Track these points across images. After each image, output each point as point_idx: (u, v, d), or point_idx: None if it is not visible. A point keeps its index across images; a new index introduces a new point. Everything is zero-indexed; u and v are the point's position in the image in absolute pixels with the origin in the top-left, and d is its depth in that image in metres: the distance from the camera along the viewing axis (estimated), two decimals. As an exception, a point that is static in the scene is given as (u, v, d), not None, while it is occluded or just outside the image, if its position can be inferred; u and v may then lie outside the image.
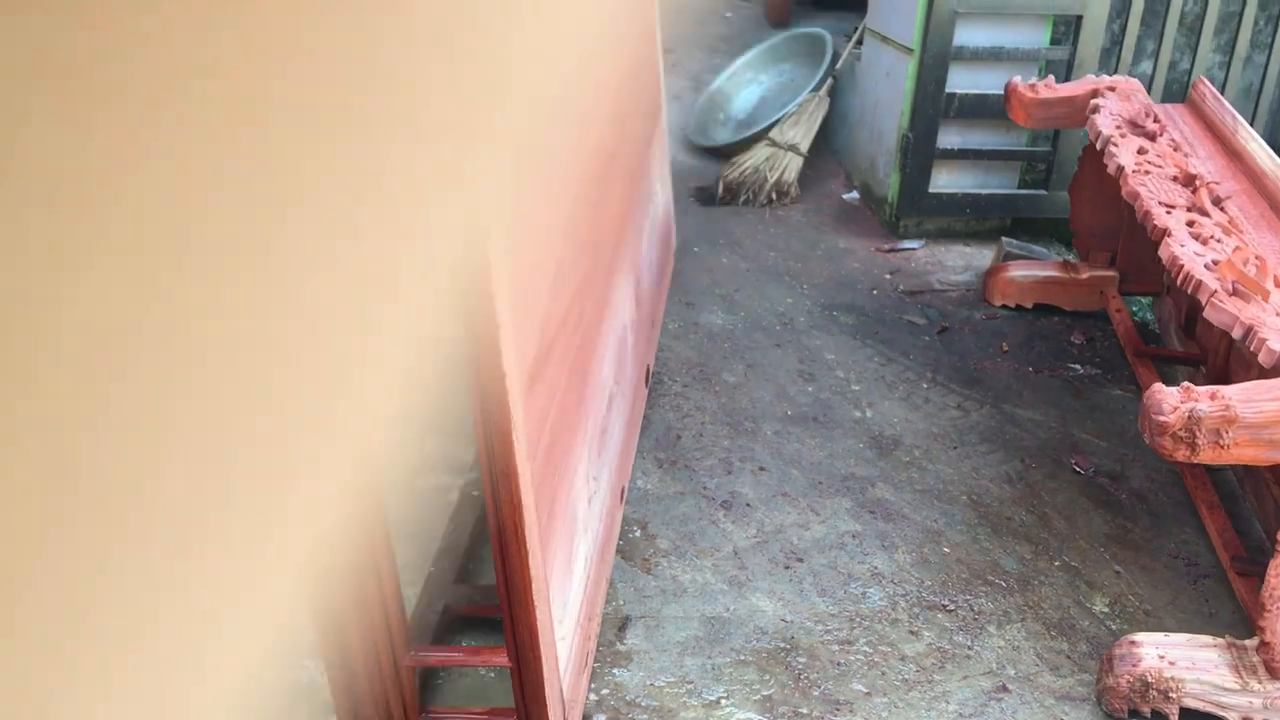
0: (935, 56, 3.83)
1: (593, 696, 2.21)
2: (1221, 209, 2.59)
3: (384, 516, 1.80)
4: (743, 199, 4.22)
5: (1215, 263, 2.34)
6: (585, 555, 2.17)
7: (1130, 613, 2.54)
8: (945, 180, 4.08)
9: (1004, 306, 3.72)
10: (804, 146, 4.31)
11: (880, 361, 3.40)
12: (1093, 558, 2.69)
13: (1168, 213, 2.57)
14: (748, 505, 2.77)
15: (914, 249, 4.06)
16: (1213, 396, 1.98)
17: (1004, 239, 3.89)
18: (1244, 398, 1.98)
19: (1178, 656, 2.20)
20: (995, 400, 3.26)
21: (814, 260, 3.94)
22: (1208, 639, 2.24)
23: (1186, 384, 2.02)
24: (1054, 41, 3.95)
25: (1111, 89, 3.31)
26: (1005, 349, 3.53)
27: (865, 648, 2.38)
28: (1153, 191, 2.65)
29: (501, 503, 1.68)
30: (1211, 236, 2.46)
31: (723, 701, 2.22)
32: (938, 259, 4.04)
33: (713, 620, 2.42)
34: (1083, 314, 3.69)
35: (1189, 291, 2.29)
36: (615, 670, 2.28)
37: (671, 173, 4.44)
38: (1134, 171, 2.74)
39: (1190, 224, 2.52)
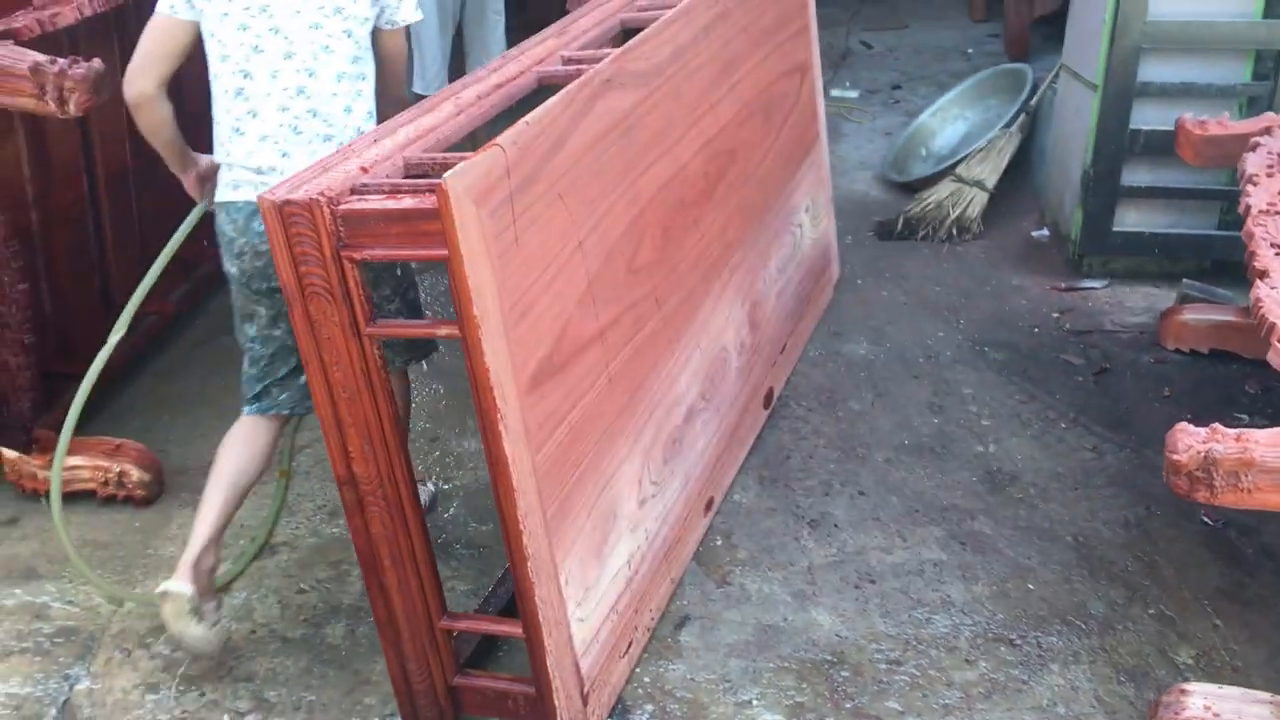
0: (1118, 92, 3.74)
1: (635, 685, 2.39)
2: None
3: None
4: (921, 234, 4.25)
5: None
6: (629, 551, 2.36)
7: (1218, 667, 2.44)
8: (1134, 219, 3.96)
9: (1177, 351, 3.57)
10: (990, 183, 4.29)
11: (1021, 399, 3.36)
12: (1194, 609, 2.59)
13: (1276, 255, 2.47)
14: (835, 526, 2.85)
15: (1095, 288, 3.95)
16: (1237, 439, 1.93)
17: (1185, 281, 3.74)
18: (1270, 442, 1.92)
19: (1224, 709, 2.12)
20: (1137, 445, 3.16)
21: (979, 296, 3.92)
22: (1264, 695, 2.15)
23: (1216, 425, 1.98)
24: (1257, 77, 3.76)
25: (1266, 128, 3.15)
26: (1167, 394, 3.40)
27: (913, 670, 2.43)
28: (1270, 234, 2.54)
29: (499, 487, 1.92)
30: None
31: (754, 702, 2.34)
32: (1118, 299, 3.92)
33: (768, 628, 2.54)
34: (1264, 363, 3.48)
35: (1262, 335, 2.21)
36: (663, 662, 2.44)
37: (857, 208, 4.54)
38: (1260, 212, 2.64)
39: (1294, 264, 2.41)
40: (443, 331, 1.85)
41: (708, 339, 2.78)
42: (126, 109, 2.37)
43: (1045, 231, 4.31)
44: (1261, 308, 2.26)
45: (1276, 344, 2.13)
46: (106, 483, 2.91)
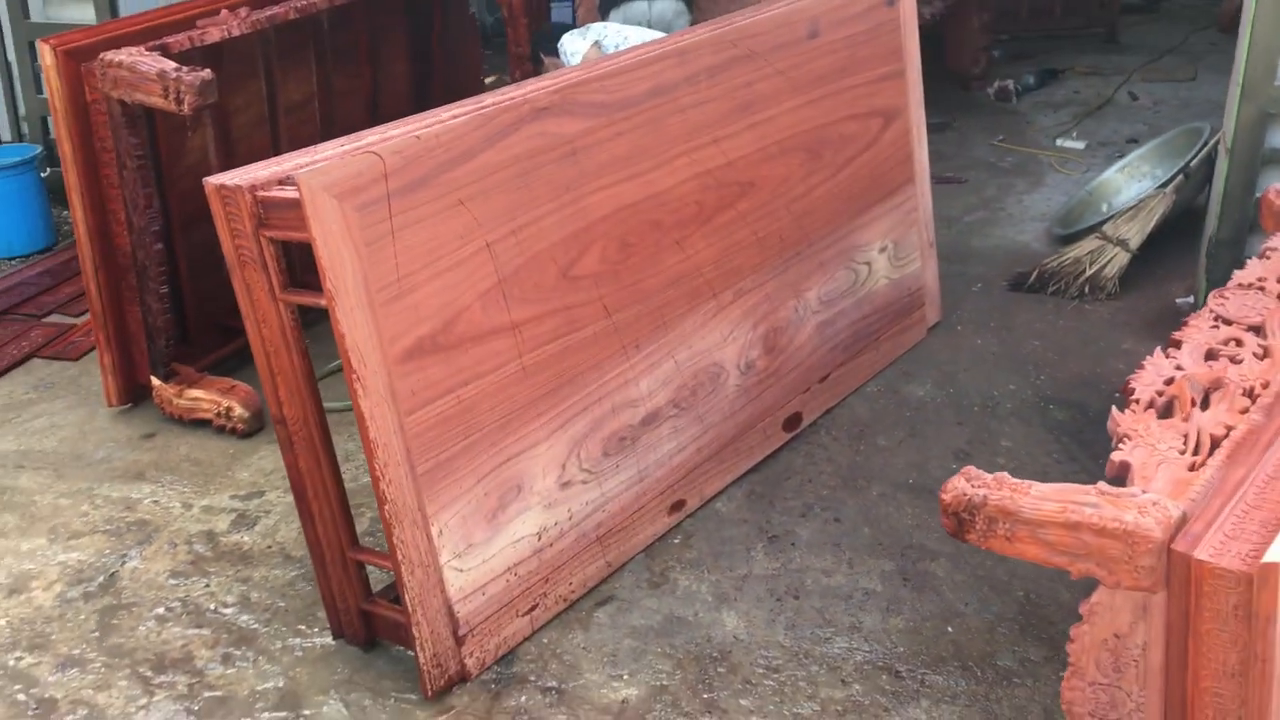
0: (1246, 157, 3.55)
1: (533, 643, 2.68)
2: (1297, 335, 2.34)
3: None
4: (1052, 289, 4.16)
5: (1170, 381, 2.19)
6: (539, 524, 2.66)
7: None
8: (1268, 293, 3.70)
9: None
10: (1134, 243, 4.13)
11: (1057, 458, 3.30)
12: (1113, 683, 2.52)
13: (1216, 326, 2.38)
14: (792, 544, 2.99)
15: (1213, 362, 3.74)
16: (1005, 486, 1.97)
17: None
18: (1039, 495, 1.94)
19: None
20: (1161, 520, 3.03)
21: (1076, 355, 3.82)
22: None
23: (1003, 475, 2.02)
24: None
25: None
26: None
27: (785, 679, 2.56)
28: (1239, 309, 2.45)
29: (362, 436, 2.30)
30: (1236, 358, 2.26)
31: (624, 676, 2.58)
32: (1233, 376, 3.68)
33: (675, 619, 2.75)
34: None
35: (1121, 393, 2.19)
36: (570, 631, 2.72)
37: (1008, 257, 4.50)
38: (1238, 287, 2.53)
39: (1237, 341, 2.33)
40: (320, 301, 2.25)
41: (688, 353, 3.01)
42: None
43: (1191, 299, 4.09)
44: (1143, 371, 2.22)
45: (1115, 411, 2.11)
46: (218, 414, 3.56)
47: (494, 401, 2.52)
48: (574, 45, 4.33)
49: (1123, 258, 4.12)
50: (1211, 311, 2.43)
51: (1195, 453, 2.00)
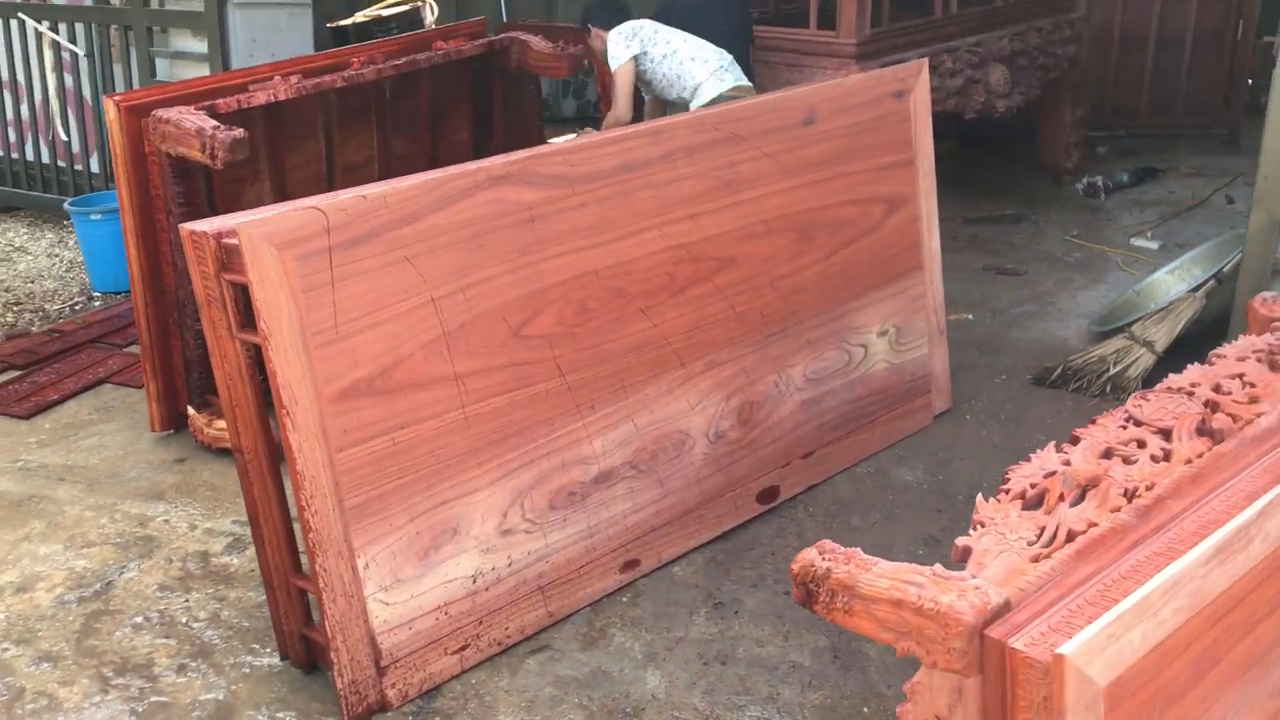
0: (1258, 266, 3.49)
1: (460, 681, 2.81)
2: (1208, 442, 2.32)
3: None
4: (1074, 386, 4.11)
5: (1050, 475, 2.21)
6: (474, 567, 2.79)
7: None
8: None
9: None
10: (1160, 345, 4.06)
11: (1030, 553, 3.26)
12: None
13: (1125, 427, 2.38)
14: (736, 613, 3.04)
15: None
16: (851, 561, 2.02)
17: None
18: (879, 572, 1.99)
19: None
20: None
21: (1079, 453, 3.75)
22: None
23: (855, 551, 2.07)
24: None
25: (1348, 311, 2.85)
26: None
27: (690, 742, 2.62)
28: (1154, 411, 2.43)
29: (289, 467, 2.49)
30: (1130, 459, 2.26)
31: (536, 721, 2.67)
32: (1242, 487, 3.57)
33: (600, 673, 2.83)
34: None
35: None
36: (498, 673, 2.84)
37: (1042, 351, 4.47)
38: (1168, 389, 2.51)
39: (1140, 442, 2.32)
40: (251, 339, 2.46)
41: (649, 418, 3.12)
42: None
43: (1218, 405, 3.98)
44: (1038, 467, 2.23)
45: (994, 499, 2.13)
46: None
47: (432, 446, 2.68)
48: (615, 51, 4.74)
49: (1148, 359, 4.05)
50: (1126, 412, 2.42)
51: (1046, 545, 2.01)
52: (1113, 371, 4.07)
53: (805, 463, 3.54)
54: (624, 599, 3.11)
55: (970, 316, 4.85)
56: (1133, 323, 4.22)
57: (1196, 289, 4.16)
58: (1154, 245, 5.62)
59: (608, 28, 4.84)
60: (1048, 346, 4.56)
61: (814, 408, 3.55)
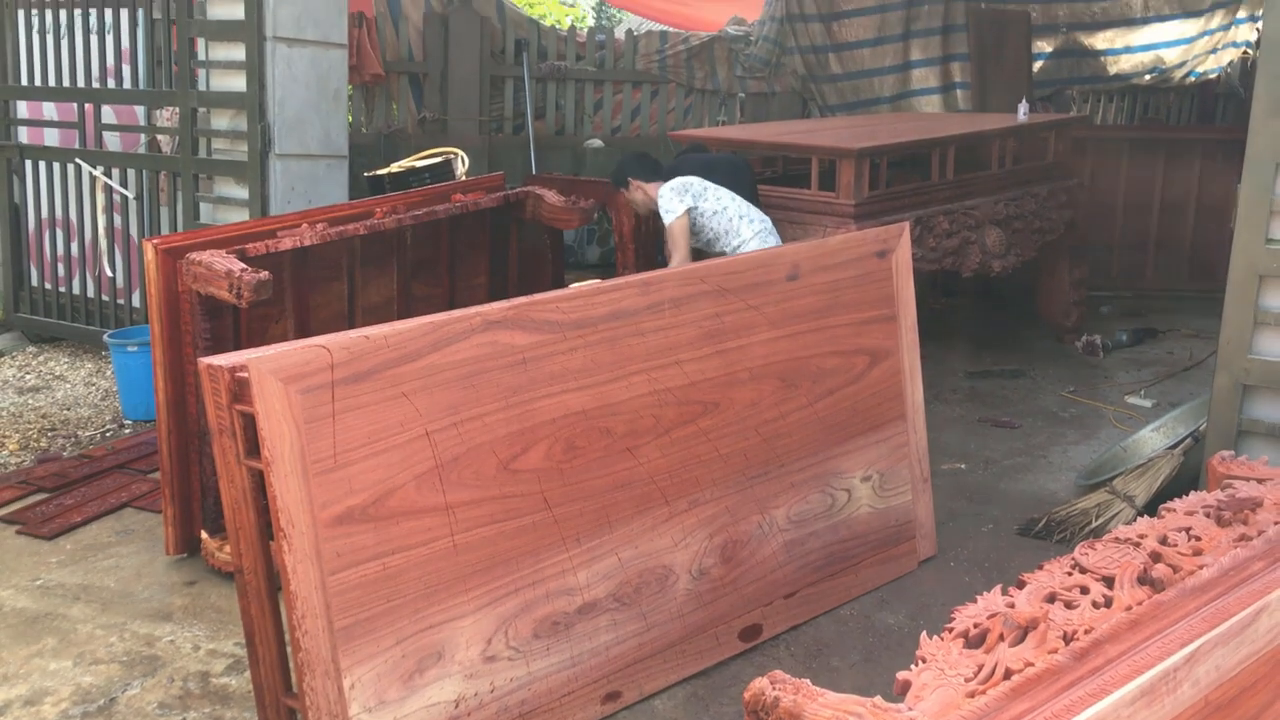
0: (1223, 427, 3.64)
1: (440, 804, 2.90)
2: (1149, 590, 2.44)
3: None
4: (1058, 538, 4.22)
5: (1012, 605, 2.33)
6: (458, 692, 2.91)
7: None
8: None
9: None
10: (1140, 500, 4.18)
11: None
12: None
13: (1071, 573, 2.51)
14: (711, 747, 3.13)
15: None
16: (803, 693, 2.14)
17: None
18: (825, 703, 2.11)
19: None
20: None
21: (1058, 602, 3.84)
22: None
23: (804, 682, 2.19)
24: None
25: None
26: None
27: None
28: (1100, 560, 2.56)
29: (283, 587, 2.65)
30: (1072, 603, 2.39)
31: None
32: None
33: (575, 802, 2.91)
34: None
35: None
36: (477, 799, 2.93)
37: (1030, 502, 4.59)
38: (1115, 539, 2.65)
39: (1083, 588, 2.45)
40: (256, 465, 2.65)
41: (634, 552, 3.26)
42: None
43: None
44: (980, 608, 2.36)
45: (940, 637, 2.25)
46: (247, 570, 3.98)
47: (421, 572, 2.84)
48: (669, 204, 4.99)
49: (1128, 513, 4.17)
50: (1073, 559, 2.55)
51: (983, 682, 2.13)
52: (1095, 524, 4.18)
53: (788, 602, 3.65)
54: (603, 730, 3.21)
55: (963, 466, 4.99)
56: (1115, 477, 4.35)
57: (1175, 446, 4.29)
58: (1148, 403, 5.77)
59: (648, 180, 5.15)
60: (1036, 498, 4.68)
61: (797, 549, 3.68)
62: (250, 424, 2.72)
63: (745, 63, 9.88)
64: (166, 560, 4.24)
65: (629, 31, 10.24)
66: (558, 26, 11.38)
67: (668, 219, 4.97)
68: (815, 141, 5.72)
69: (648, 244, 6.29)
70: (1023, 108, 6.64)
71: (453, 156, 7.27)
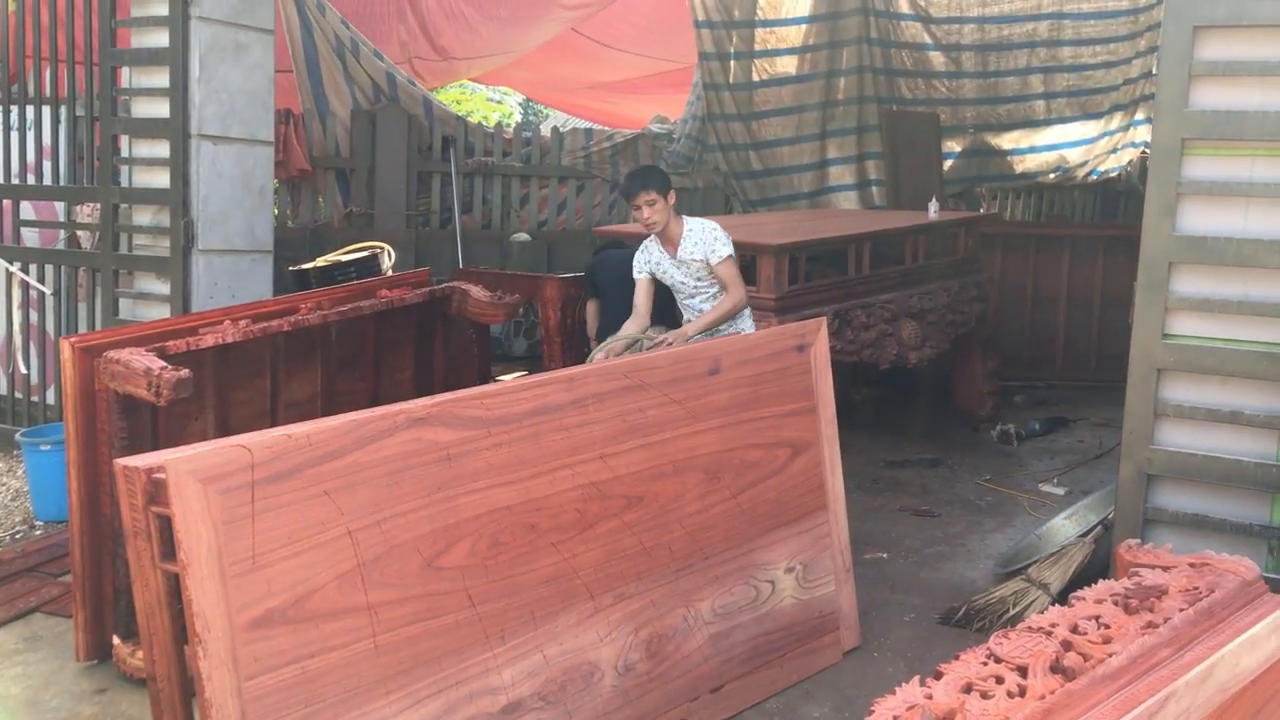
0: (1129, 516, 3.75)
1: None
2: (1061, 679, 2.49)
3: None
4: (978, 626, 4.29)
5: (930, 696, 2.37)
6: (379, 796, 2.86)
7: None
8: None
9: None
10: (1055, 588, 4.26)
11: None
12: None
13: (986, 663, 2.55)
14: None
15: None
16: None
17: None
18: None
19: None
20: None
21: (979, 691, 3.89)
22: None
23: None
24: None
25: (1204, 564, 3.08)
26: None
27: None
28: (1013, 649, 2.61)
29: (197, 693, 2.60)
30: (988, 693, 2.43)
31: None
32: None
33: None
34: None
35: None
36: None
37: (949, 591, 4.65)
38: (1028, 628, 2.71)
39: (998, 678, 2.50)
40: (172, 568, 2.62)
41: (559, 649, 3.25)
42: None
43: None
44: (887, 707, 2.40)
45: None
46: (162, 675, 3.87)
47: (341, 675, 2.80)
48: (728, 240, 4.88)
49: (1044, 600, 4.25)
50: (988, 649, 2.60)
51: (902, 772, 2.16)
52: (1012, 612, 4.25)
53: (714, 697, 3.65)
54: (528, 833, 3.16)
55: (885, 555, 5.05)
56: (1030, 565, 4.44)
57: (1087, 534, 4.41)
58: (1060, 491, 5.91)
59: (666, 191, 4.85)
60: (956, 586, 4.75)
61: (723, 641, 3.69)
62: (167, 526, 2.68)
63: (668, 159, 10.11)
64: (76, 667, 4.11)
65: (555, 128, 10.45)
66: (485, 123, 11.55)
67: (729, 251, 4.84)
68: (737, 238, 5.85)
69: (574, 336, 6.35)
70: (933, 205, 6.87)
71: (379, 251, 7.30)
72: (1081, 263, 8.47)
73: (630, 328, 4.89)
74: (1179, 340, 3.65)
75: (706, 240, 4.84)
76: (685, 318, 5.02)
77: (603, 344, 4.89)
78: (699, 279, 4.90)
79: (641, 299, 4.98)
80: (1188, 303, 3.61)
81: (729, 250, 4.84)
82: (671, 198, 4.88)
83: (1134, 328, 3.65)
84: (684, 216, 4.97)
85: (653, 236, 4.94)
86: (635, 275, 5.01)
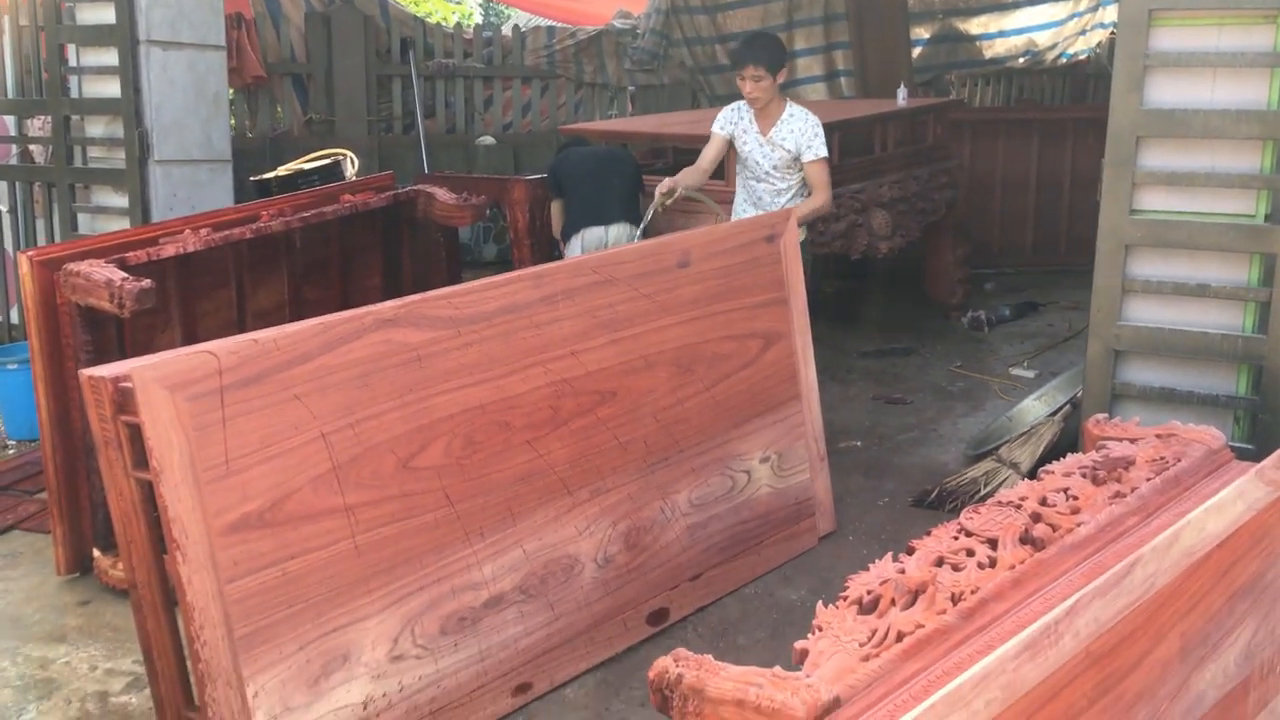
0: (1098, 392, 3.78)
1: (353, 807, 2.88)
2: (1030, 549, 2.53)
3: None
4: (949, 507, 4.35)
5: (902, 571, 2.41)
6: (365, 694, 2.90)
7: None
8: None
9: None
10: (1025, 467, 4.33)
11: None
12: None
13: (958, 537, 2.59)
14: (621, 729, 3.17)
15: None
16: (700, 666, 2.18)
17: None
18: (727, 676, 2.15)
19: None
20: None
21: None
22: None
23: (706, 658, 2.23)
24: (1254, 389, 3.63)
25: (1170, 435, 3.12)
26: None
27: None
28: (983, 523, 2.65)
29: (179, 599, 2.61)
30: (959, 566, 2.47)
31: (422, 844, 2.75)
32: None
33: (489, 795, 2.92)
34: None
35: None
36: (390, 799, 2.92)
37: (923, 474, 4.71)
38: (998, 503, 2.74)
39: (969, 551, 2.54)
40: (145, 476, 2.61)
41: (538, 544, 3.28)
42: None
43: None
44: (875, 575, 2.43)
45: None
46: (144, 586, 3.89)
47: (322, 575, 2.82)
48: (823, 141, 4.71)
49: (1014, 479, 4.31)
50: (959, 523, 2.64)
51: (877, 645, 2.20)
52: (984, 491, 4.32)
53: (693, 585, 3.71)
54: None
55: (858, 443, 5.10)
56: (1001, 446, 4.49)
57: (1056, 413, 4.46)
58: (1030, 374, 5.96)
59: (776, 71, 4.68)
60: (928, 470, 4.82)
61: (700, 531, 3.73)
62: (137, 435, 2.67)
63: (633, 56, 9.93)
64: (58, 581, 4.13)
65: (516, 27, 10.21)
66: (444, 24, 11.29)
67: (824, 152, 4.68)
68: (702, 131, 5.78)
69: (543, 239, 6.28)
70: (902, 93, 6.80)
71: (342, 158, 7.17)
72: (1051, 147, 8.43)
73: (689, 178, 4.75)
74: (1147, 215, 3.64)
75: (805, 133, 4.65)
76: (739, 197, 4.92)
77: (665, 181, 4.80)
78: (775, 167, 4.71)
79: (709, 154, 4.82)
80: (1155, 177, 3.60)
81: (824, 151, 4.67)
82: (781, 76, 4.68)
83: (1102, 205, 3.64)
84: (789, 100, 4.80)
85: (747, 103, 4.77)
86: (713, 130, 4.84)
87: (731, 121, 4.81)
